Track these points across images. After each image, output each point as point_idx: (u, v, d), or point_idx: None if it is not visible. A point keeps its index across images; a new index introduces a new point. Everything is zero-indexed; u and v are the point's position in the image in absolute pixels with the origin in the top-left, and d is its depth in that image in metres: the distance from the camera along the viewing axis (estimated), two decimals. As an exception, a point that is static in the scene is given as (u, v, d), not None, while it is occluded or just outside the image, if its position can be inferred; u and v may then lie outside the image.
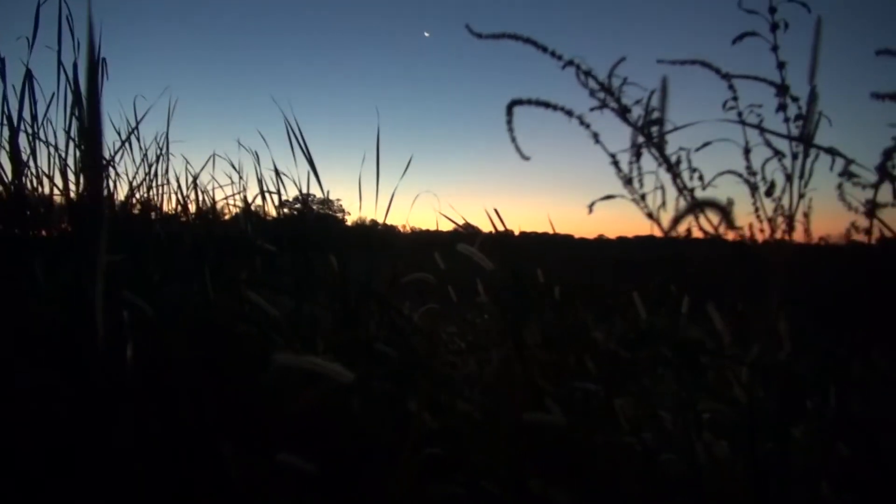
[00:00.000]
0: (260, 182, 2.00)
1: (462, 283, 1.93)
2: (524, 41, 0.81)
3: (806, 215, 0.84)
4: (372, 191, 1.79)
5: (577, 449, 0.97)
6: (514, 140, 0.75)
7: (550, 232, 1.80)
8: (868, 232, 0.74)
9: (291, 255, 1.82)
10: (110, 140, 1.69)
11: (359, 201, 1.89)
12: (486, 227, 1.61)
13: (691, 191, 0.88)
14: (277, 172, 1.89)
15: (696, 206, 0.89)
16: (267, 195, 2.06)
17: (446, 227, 2.08)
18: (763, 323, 0.99)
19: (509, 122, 0.73)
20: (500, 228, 1.55)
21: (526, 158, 0.74)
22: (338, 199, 3.05)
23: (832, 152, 0.75)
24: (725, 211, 0.88)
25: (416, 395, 1.15)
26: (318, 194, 2.27)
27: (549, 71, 0.88)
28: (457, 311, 1.72)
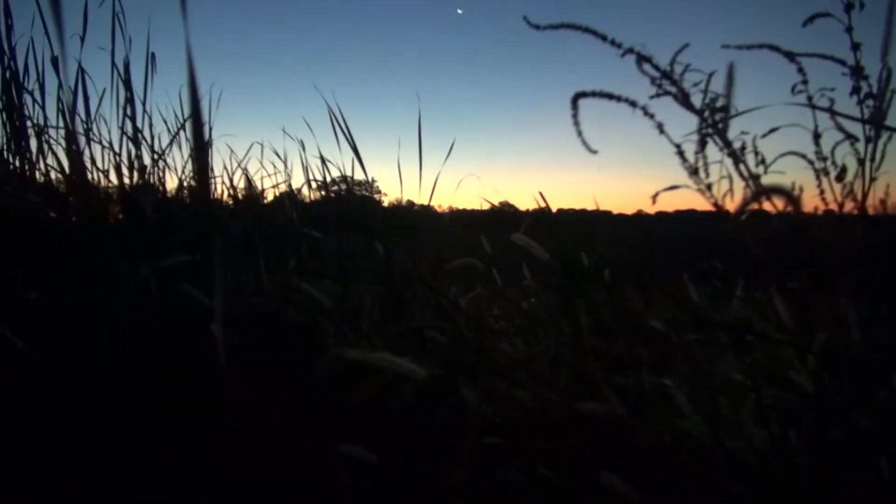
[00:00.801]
0: (305, 169, 2.03)
1: (507, 265, 1.92)
2: (584, 31, 0.79)
3: (883, 202, 0.82)
4: (413, 173, 1.79)
5: (635, 437, 0.97)
6: (580, 134, 0.73)
7: (593, 208, 1.77)
8: None
9: (336, 240, 1.84)
10: (157, 131, 1.72)
11: (399, 184, 1.90)
12: (525, 205, 1.60)
13: (756, 177, 0.86)
14: (323, 159, 1.90)
15: (763, 193, 0.87)
16: (315, 182, 2.09)
17: (485, 205, 2.07)
18: (829, 308, 0.97)
19: (574, 115, 0.72)
20: (544, 208, 1.54)
21: (593, 152, 0.73)
22: (374, 181, 3.06)
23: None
24: (792, 197, 0.86)
25: (469, 382, 1.16)
26: (366, 179, 2.28)
27: (598, 58, 0.86)
28: (503, 295, 1.72)
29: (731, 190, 0.83)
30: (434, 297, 1.52)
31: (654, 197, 0.80)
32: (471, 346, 1.25)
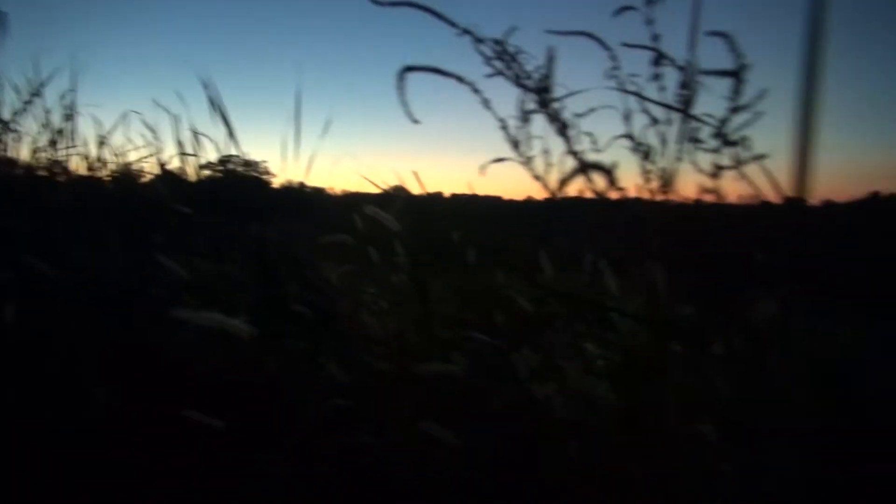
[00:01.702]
0: (178, 143, 1.96)
1: (386, 244, 1.96)
2: (420, 8, 0.84)
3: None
4: (299, 153, 1.79)
5: (473, 395, 1.04)
6: (405, 104, 0.78)
7: (473, 193, 1.85)
8: (715, 192, 0.82)
9: (210, 217, 1.80)
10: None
11: (282, 162, 1.89)
12: (415, 189, 1.65)
13: (578, 154, 0.94)
14: (195, 134, 1.85)
15: (583, 169, 0.96)
16: (188, 157, 2.02)
17: (376, 190, 2.10)
18: (645, 276, 1.07)
19: (400, 87, 0.76)
20: (421, 191, 1.59)
21: (416, 122, 0.78)
22: (263, 161, 2.99)
23: (691, 117, 0.82)
24: (609, 172, 0.95)
25: (328, 351, 1.19)
26: (242, 156, 2.23)
27: (449, 40, 0.91)
28: (377, 272, 1.76)
29: (552, 165, 0.90)
30: (304, 272, 1.53)
31: (483, 168, 0.86)
32: (333, 317, 1.28)
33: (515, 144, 0.87)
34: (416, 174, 1.62)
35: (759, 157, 0.76)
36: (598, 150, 0.94)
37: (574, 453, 1.08)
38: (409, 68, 0.77)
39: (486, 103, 0.84)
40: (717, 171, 0.80)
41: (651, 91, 0.88)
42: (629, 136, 0.91)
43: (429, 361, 1.03)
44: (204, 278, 1.44)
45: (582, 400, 1.10)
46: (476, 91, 0.83)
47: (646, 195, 1.00)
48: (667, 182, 0.94)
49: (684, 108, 0.93)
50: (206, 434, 0.97)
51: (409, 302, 1.24)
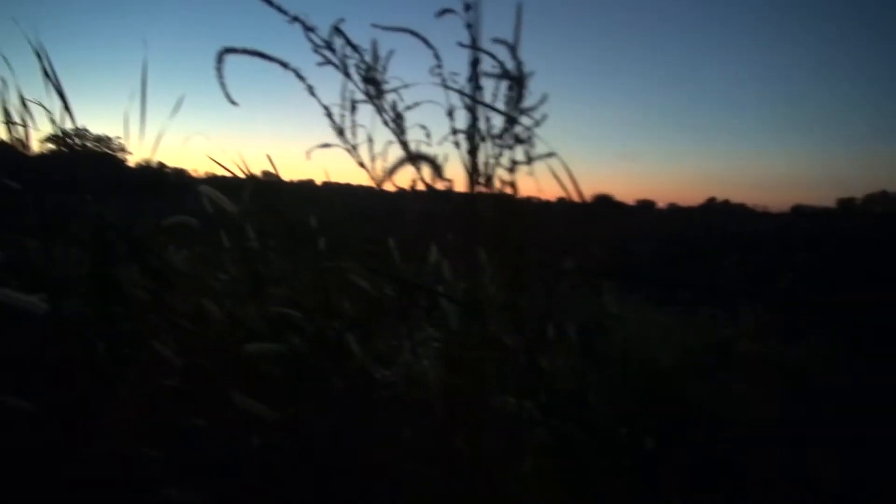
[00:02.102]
0: (5, 111, 1.80)
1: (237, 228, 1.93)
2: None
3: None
4: (151, 131, 1.71)
5: (309, 375, 1.08)
6: (223, 86, 0.79)
7: (328, 181, 1.86)
8: (512, 185, 0.91)
9: (49, 194, 1.68)
10: None
11: (131, 140, 1.79)
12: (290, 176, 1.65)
13: (406, 144, 1.00)
14: (24, 101, 1.71)
15: (411, 159, 1.02)
16: (20, 127, 1.86)
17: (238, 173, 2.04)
18: (471, 264, 1.16)
19: (218, 68, 0.77)
20: (275, 174, 1.59)
21: (234, 104, 0.80)
22: (117, 137, 2.81)
23: (496, 109, 0.90)
24: (436, 164, 1.02)
25: (160, 334, 1.17)
26: (82, 130, 2.09)
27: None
28: (223, 255, 1.73)
29: (377, 154, 0.95)
30: (143, 253, 1.48)
31: (309, 153, 0.89)
32: (169, 299, 1.26)
33: (340, 132, 0.91)
34: (269, 158, 1.61)
35: (548, 155, 0.86)
36: (425, 143, 1.01)
37: (403, 429, 1.15)
38: (228, 50, 0.79)
39: (311, 90, 0.87)
40: (513, 165, 0.89)
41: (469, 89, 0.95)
42: (453, 131, 0.98)
43: (261, 342, 1.05)
44: (25, 258, 1.35)
45: (412, 379, 1.17)
46: (301, 77, 0.86)
47: (472, 189, 1.08)
48: (487, 176, 1.02)
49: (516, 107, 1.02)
50: (21, 417, 0.93)
51: (247, 284, 1.25)
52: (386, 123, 0.95)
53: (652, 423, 2.37)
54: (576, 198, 0.96)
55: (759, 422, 3.07)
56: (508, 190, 0.93)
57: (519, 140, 0.87)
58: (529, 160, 0.88)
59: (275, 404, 0.97)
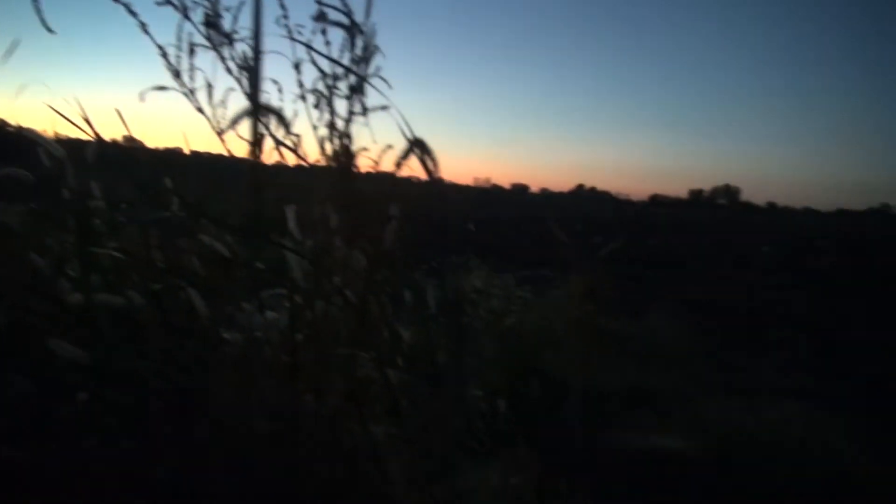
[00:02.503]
0: None
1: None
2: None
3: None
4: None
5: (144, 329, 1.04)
6: (38, 10, 0.74)
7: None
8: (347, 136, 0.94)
9: None
10: None
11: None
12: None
13: (252, 95, 0.98)
14: None
15: (255, 112, 1.01)
16: None
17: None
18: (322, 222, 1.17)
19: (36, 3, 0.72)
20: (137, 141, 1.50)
21: (51, 31, 0.75)
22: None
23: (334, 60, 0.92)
24: (281, 116, 1.01)
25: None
26: None
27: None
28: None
29: (214, 99, 0.93)
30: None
31: (142, 95, 0.85)
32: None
33: (176, 74, 0.88)
34: (119, 113, 1.51)
35: (383, 108, 0.89)
36: (268, 94, 1.00)
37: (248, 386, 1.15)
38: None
39: (144, 27, 0.84)
40: (350, 116, 0.91)
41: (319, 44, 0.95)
42: (299, 84, 0.98)
43: (96, 294, 1.00)
44: None
45: (257, 339, 1.17)
46: (132, 13, 0.82)
47: (322, 148, 1.09)
48: (343, 140, 1.02)
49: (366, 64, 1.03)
50: None
51: (79, 237, 1.17)
52: (229, 71, 0.94)
53: (506, 387, 2.52)
54: (433, 176, 0.99)
55: (604, 384, 3.36)
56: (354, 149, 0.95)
57: (355, 90, 0.89)
58: (365, 111, 0.90)
59: (103, 356, 0.93)
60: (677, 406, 3.10)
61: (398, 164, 0.88)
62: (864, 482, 2.12)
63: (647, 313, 5.55)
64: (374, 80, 1.03)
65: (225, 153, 1.17)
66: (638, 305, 5.79)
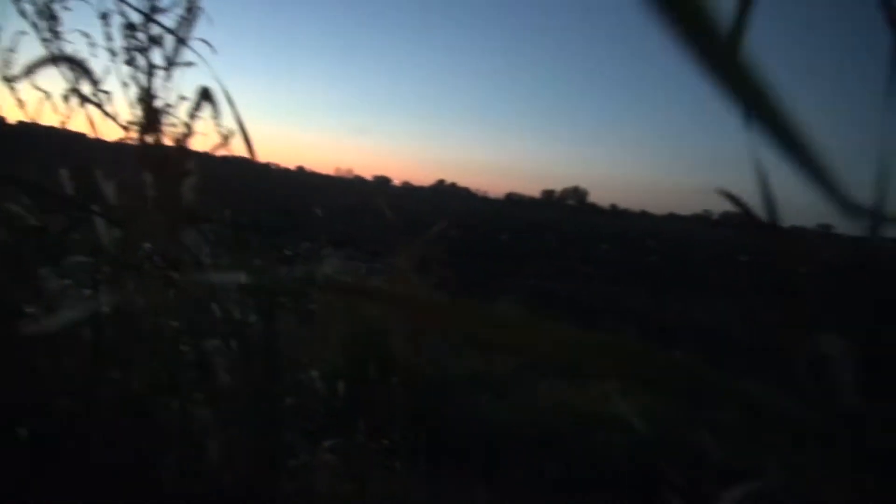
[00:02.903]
0: None
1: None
2: None
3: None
4: None
5: None
6: None
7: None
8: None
9: None
10: None
11: None
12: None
13: (52, 41, 0.91)
14: None
15: (54, 59, 0.93)
16: None
17: None
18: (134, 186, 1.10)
19: None
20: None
21: None
22: None
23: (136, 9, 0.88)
24: (84, 67, 0.94)
25: None
26: None
27: None
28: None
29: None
30: None
31: None
32: None
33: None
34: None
35: (188, 64, 0.86)
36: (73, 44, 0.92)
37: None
38: None
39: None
40: (151, 69, 0.87)
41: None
42: (107, 37, 0.92)
43: None
44: None
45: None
46: None
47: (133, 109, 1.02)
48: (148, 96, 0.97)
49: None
50: None
51: None
52: (23, 15, 0.86)
53: (348, 370, 2.53)
54: (253, 158, 0.97)
55: (448, 369, 3.49)
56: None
57: (155, 41, 0.85)
58: (170, 64, 0.87)
59: None
60: (514, 387, 3.30)
61: (191, 117, 0.85)
62: (661, 448, 2.39)
63: (494, 303, 5.82)
64: (197, 46, 0.99)
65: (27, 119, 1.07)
66: (486, 296, 6.06)
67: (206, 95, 0.81)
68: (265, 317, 1.38)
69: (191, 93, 0.98)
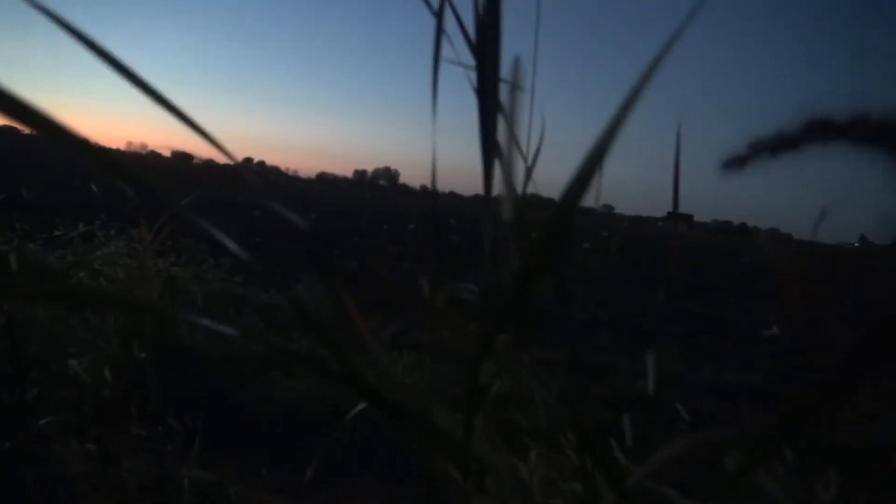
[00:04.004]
0: None
1: None
2: None
3: None
4: None
5: None
6: None
7: None
8: None
9: None
10: None
11: None
12: None
13: None
14: None
15: None
16: None
17: None
18: None
19: None
20: None
21: None
22: None
23: None
24: None
25: None
26: None
27: None
28: None
29: None
30: None
31: None
32: None
33: None
34: None
35: None
36: None
37: None
38: None
39: None
40: None
41: None
42: None
43: None
44: None
45: None
46: None
47: None
48: None
49: None
50: None
51: None
52: None
53: (117, 357, 2.37)
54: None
55: (244, 352, 3.41)
56: None
57: None
58: None
59: None
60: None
61: None
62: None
63: (296, 285, 5.73)
64: None
65: None
66: (290, 278, 5.94)
67: None
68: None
69: None
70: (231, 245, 0.46)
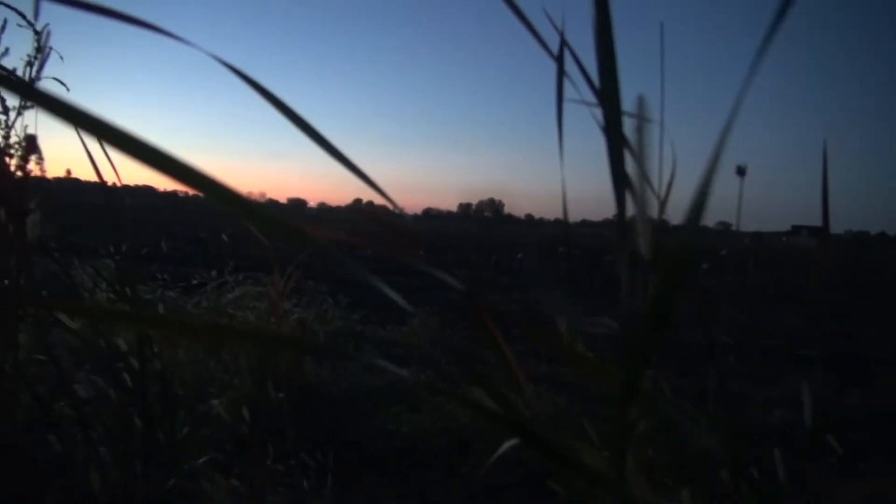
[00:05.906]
0: None
1: None
2: None
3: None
4: None
5: None
6: None
7: None
8: None
9: None
10: None
11: None
12: None
13: None
14: None
15: None
16: None
17: None
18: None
19: None
20: None
21: None
22: None
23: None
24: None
25: None
26: None
27: None
28: None
29: None
30: None
31: None
32: None
33: None
34: None
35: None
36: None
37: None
38: None
39: None
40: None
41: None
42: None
43: None
44: None
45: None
46: None
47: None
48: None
49: None
50: None
51: None
52: None
53: (253, 396, 2.51)
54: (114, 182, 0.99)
55: (364, 384, 3.50)
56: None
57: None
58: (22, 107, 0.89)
59: None
60: (426, 399, 3.36)
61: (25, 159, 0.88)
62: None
63: (411, 319, 5.83)
64: (51, 83, 1.01)
65: None
66: (402, 312, 6.05)
67: (31, 142, 0.84)
68: (143, 349, 1.38)
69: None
70: (397, 299, 0.48)
